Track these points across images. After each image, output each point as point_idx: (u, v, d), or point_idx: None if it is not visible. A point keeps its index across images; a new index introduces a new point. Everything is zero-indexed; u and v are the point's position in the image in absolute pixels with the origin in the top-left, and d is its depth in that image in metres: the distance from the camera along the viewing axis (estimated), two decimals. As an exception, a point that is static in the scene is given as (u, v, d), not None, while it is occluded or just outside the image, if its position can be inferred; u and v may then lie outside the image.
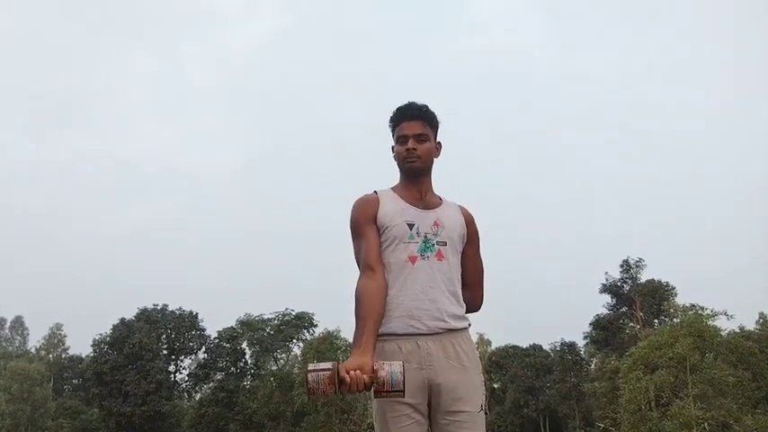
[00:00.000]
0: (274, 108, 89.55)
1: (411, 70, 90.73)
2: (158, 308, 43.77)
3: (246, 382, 41.77)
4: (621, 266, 37.28)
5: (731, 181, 79.28)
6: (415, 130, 2.28)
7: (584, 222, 78.43)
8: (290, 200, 79.04)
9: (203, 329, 44.78)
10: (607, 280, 37.34)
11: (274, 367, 41.10)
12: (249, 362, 42.68)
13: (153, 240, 77.01)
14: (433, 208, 2.31)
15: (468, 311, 2.35)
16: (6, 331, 62.50)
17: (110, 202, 77.25)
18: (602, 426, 23.08)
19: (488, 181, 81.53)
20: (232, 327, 42.36)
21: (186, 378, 45.38)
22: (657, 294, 36.16)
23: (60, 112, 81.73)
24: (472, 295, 2.40)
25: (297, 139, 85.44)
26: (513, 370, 45.87)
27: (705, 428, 15.84)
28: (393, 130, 2.35)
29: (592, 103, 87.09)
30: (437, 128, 2.35)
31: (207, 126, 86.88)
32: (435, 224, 2.27)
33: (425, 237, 2.24)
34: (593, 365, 45.02)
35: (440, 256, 2.24)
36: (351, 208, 2.31)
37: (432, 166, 2.34)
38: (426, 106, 2.33)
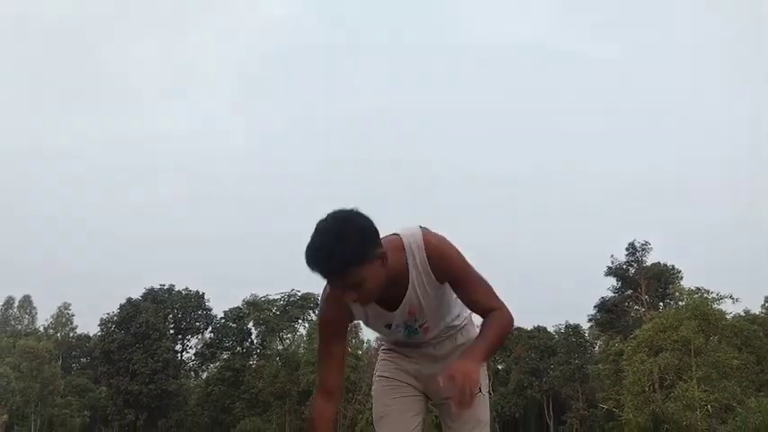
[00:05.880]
0: (281, 92, 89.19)
1: (420, 54, 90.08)
2: (165, 288, 44.06)
3: (252, 362, 42.17)
4: (627, 250, 37.28)
5: (741, 166, 78.76)
6: (339, 284, 1.86)
7: (590, 206, 78.18)
8: (295, 183, 79.07)
9: (209, 309, 45.14)
10: (613, 263, 37.35)
11: (280, 347, 41.44)
12: (255, 341, 43.04)
13: (160, 222, 77.26)
14: (402, 296, 2.04)
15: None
16: (15, 310, 63.14)
17: (116, 184, 77.40)
18: (606, 407, 23.24)
19: (490, 168, 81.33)
20: (238, 307, 42.66)
21: (193, 357, 45.85)
22: (663, 278, 36.16)
23: (64, 96, 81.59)
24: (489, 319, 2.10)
25: (304, 123, 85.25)
26: (517, 352, 46.10)
27: (708, 410, 15.92)
28: None
29: (597, 87, 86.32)
30: (369, 255, 1.82)
31: (213, 110, 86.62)
32: (410, 313, 2.10)
33: (406, 325, 2.16)
34: (597, 348, 45.22)
35: (425, 331, 2.19)
36: (321, 299, 2.09)
37: (383, 278, 1.90)
38: (336, 255, 1.77)
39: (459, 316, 2.27)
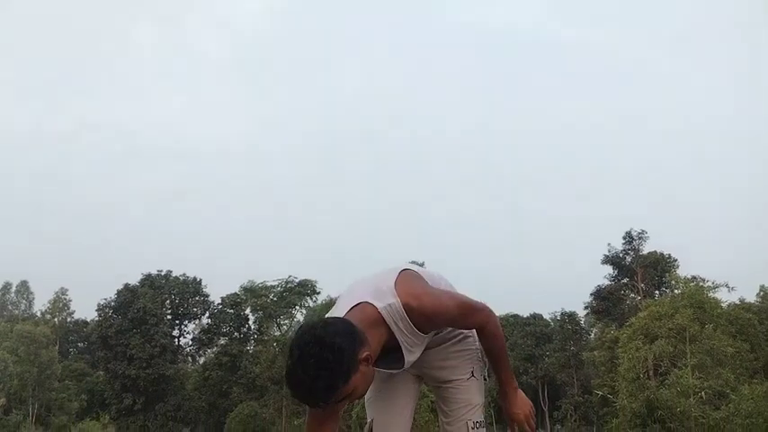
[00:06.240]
0: (280, 77, 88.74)
1: (414, 40, 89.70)
2: (162, 273, 44.10)
3: (250, 347, 42.33)
4: (624, 238, 37.38)
5: (736, 154, 78.81)
6: (328, 404, 1.82)
7: (587, 193, 78.23)
8: (292, 169, 78.86)
9: (207, 295, 45.21)
10: (609, 251, 37.47)
11: (277, 333, 41.59)
12: (252, 327, 43.18)
13: (158, 208, 77.17)
14: (398, 354, 2.03)
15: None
16: (12, 295, 63.19)
17: (113, 170, 77.16)
18: (600, 393, 23.39)
19: (487, 153, 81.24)
20: (235, 293, 42.75)
21: (190, 342, 46.00)
22: (659, 266, 36.31)
23: (63, 81, 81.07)
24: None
25: (302, 109, 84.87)
26: (513, 338, 46.35)
27: (702, 397, 16.01)
28: None
29: (592, 75, 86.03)
30: (353, 370, 1.77)
31: (211, 95, 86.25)
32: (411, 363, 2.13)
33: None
34: (592, 335, 45.47)
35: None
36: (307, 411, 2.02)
37: (372, 372, 1.88)
38: (319, 388, 1.73)
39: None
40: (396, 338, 1.98)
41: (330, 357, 1.73)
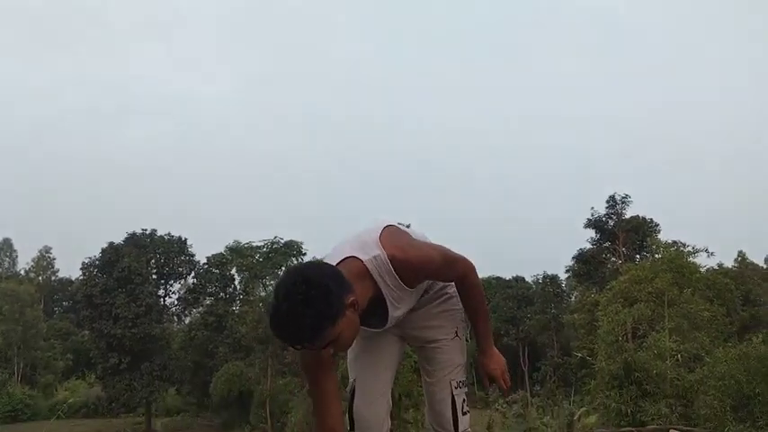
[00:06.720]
0: (268, 32, 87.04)
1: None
2: (147, 233, 43.88)
3: (236, 308, 42.51)
4: (607, 202, 37.64)
5: (721, 119, 79.09)
6: (313, 347, 1.79)
7: (572, 158, 78.42)
8: (281, 126, 78.10)
9: (192, 255, 45.12)
10: (593, 215, 37.76)
11: (263, 293, 41.76)
12: (238, 288, 43.29)
13: (142, 166, 76.31)
14: (383, 311, 2.04)
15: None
16: (-5, 253, 62.70)
17: (98, 126, 75.94)
18: (580, 355, 23.89)
19: (472, 118, 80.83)
20: (221, 253, 42.69)
21: (176, 302, 46.08)
22: (641, 231, 36.69)
23: (45, 36, 78.97)
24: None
25: (291, 64, 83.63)
26: (495, 300, 46.97)
27: (678, 360, 16.45)
28: None
29: (586, 32, 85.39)
30: (340, 312, 1.75)
31: (198, 49, 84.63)
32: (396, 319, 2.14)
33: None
34: (573, 298, 46.18)
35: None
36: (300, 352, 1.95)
37: (358, 322, 1.87)
38: (305, 326, 1.71)
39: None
40: (381, 295, 1.99)
41: (318, 296, 1.70)
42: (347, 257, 1.92)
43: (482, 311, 2.29)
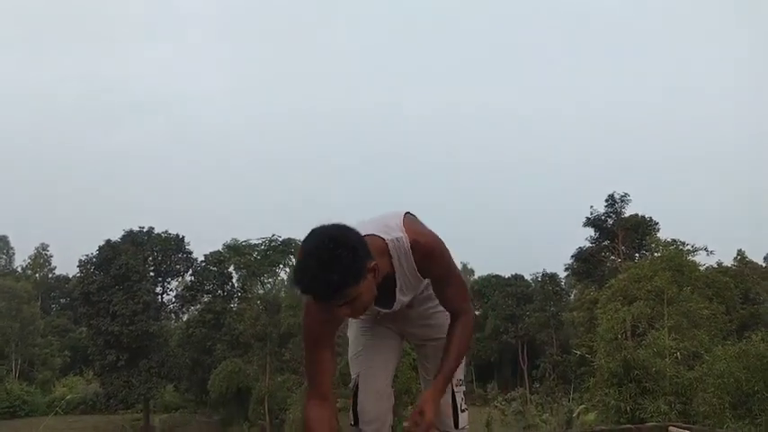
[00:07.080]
0: (263, 32, 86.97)
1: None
2: (144, 230, 43.80)
3: (233, 305, 42.48)
4: (607, 201, 37.62)
5: (721, 119, 79.16)
6: (334, 304, 1.84)
7: (572, 156, 78.44)
8: (276, 126, 77.99)
9: (190, 252, 45.06)
10: (592, 214, 37.73)
11: (261, 291, 41.73)
12: (236, 285, 43.24)
13: (138, 163, 76.24)
14: (390, 292, 2.05)
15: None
16: (-8, 250, 62.58)
17: (95, 124, 75.82)
18: (579, 353, 23.85)
19: (474, 108, 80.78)
20: (219, 251, 42.65)
21: (173, 300, 46.02)
22: (640, 229, 36.68)
23: (42, 34, 78.82)
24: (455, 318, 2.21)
25: (285, 65, 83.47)
26: (494, 298, 46.96)
27: (677, 358, 16.41)
28: None
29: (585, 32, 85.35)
30: (363, 273, 1.81)
31: (194, 50, 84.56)
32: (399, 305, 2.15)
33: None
34: (572, 296, 46.21)
35: (407, 306, 2.22)
36: (305, 303, 2.00)
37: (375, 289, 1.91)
38: (332, 282, 1.76)
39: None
40: (393, 276, 2.02)
41: (345, 255, 1.76)
42: (369, 234, 1.95)
43: (461, 353, 2.17)
